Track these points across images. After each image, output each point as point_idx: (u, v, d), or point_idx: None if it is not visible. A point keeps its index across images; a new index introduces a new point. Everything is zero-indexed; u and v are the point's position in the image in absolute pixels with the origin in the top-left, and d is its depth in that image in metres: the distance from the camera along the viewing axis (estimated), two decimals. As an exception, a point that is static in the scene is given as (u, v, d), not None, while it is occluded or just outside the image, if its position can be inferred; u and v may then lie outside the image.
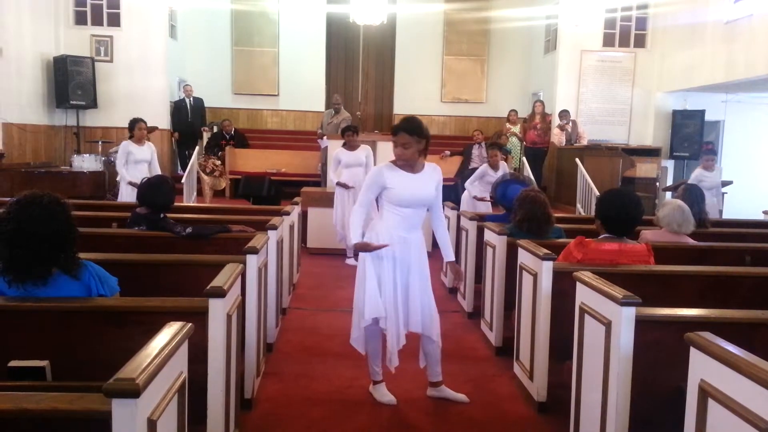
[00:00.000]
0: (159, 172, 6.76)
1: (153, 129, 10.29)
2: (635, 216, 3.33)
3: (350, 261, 6.94)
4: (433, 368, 3.52)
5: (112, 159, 8.91)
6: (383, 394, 3.48)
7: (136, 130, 6.72)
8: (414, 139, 3.22)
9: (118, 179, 7.07)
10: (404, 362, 3.46)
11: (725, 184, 9.42)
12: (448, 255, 3.54)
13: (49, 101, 10.60)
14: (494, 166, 7.10)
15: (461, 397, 3.51)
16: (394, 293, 3.29)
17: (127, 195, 6.67)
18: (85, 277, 2.43)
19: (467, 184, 7.29)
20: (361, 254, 3.34)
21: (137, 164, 6.70)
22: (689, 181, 7.21)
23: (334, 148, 7.38)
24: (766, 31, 8.75)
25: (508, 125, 11.53)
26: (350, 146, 6.92)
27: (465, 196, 7.25)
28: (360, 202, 3.41)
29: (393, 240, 3.27)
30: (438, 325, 3.43)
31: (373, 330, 3.38)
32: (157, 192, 4.04)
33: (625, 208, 3.31)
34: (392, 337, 3.30)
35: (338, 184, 6.92)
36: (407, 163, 3.30)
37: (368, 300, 3.25)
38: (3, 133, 9.10)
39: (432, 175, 3.35)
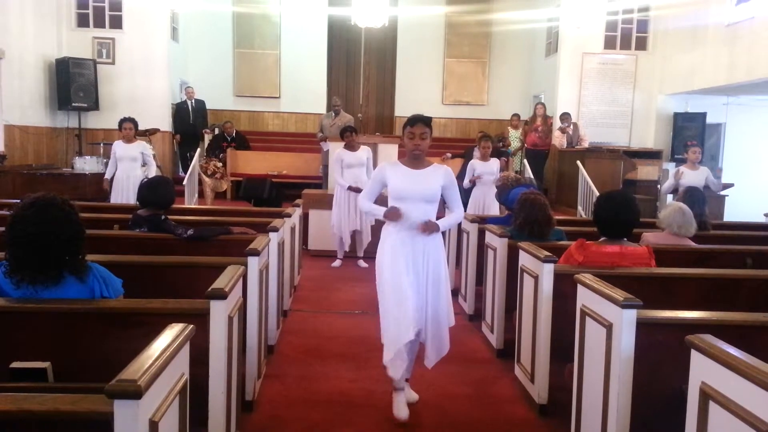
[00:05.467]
0: (155, 169, 6.87)
1: (154, 131, 10.35)
2: (629, 219, 3.32)
3: (336, 263, 7.01)
4: (411, 366, 3.48)
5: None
6: (398, 402, 3.29)
7: (122, 129, 7.16)
8: (429, 131, 3.28)
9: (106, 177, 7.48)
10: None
11: (725, 187, 9.36)
12: (441, 224, 3.30)
13: (51, 103, 10.63)
14: (484, 157, 7.05)
15: (414, 396, 3.46)
16: (397, 291, 3.20)
17: (114, 195, 7.08)
18: (89, 279, 2.43)
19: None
20: (378, 262, 3.29)
21: (121, 162, 7.10)
22: (670, 181, 7.06)
23: (337, 150, 7.36)
24: (767, 34, 8.75)
25: (509, 129, 11.52)
26: (351, 147, 6.91)
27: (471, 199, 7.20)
28: (365, 192, 3.47)
29: (402, 238, 3.23)
30: (445, 332, 3.35)
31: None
32: (156, 191, 4.06)
33: (617, 212, 3.30)
34: (393, 336, 3.18)
35: (350, 188, 6.70)
36: (415, 159, 3.30)
37: (393, 327, 3.19)
38: (5, 134, 9.12)
39: (436, 173, 3.32)
